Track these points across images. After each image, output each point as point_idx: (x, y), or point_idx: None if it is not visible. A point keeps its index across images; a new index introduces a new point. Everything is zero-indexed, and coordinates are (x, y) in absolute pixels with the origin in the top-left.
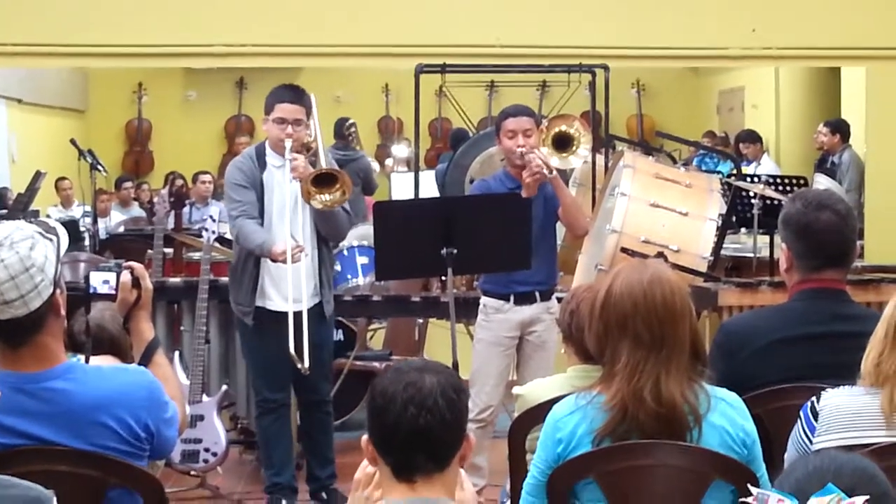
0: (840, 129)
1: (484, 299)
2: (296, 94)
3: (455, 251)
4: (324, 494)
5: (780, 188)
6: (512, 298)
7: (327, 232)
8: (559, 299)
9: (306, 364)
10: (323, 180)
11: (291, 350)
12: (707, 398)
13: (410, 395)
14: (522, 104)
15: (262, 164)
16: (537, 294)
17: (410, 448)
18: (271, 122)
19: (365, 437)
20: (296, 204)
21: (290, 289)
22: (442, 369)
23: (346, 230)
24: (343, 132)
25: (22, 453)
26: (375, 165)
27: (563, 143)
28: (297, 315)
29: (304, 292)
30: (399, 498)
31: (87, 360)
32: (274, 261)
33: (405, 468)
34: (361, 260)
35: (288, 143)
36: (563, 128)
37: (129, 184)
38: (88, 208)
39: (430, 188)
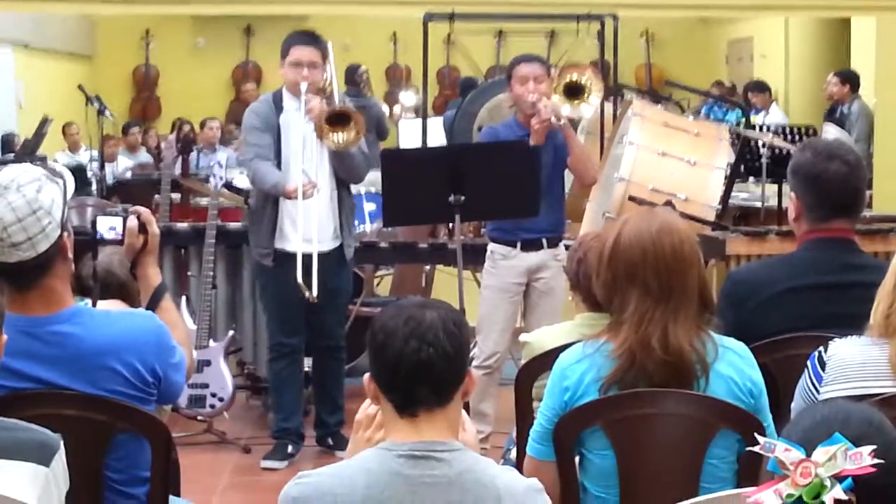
0: (850, 79)
1: (491, 246)
2: (311, 38)
3: (462, 198)
4: (330, 440)
5: (789, 138)
6: (519, 245)
7: (344, 174)
8: (567, 247)
9: (314, 293)
10: (337, 120)
11: (299, 278)
12: (714, 347)
13: (411, 328)
14: (534, 53)
15: (278, 108)
16: (544, 241)
17: (413, 381)
18: (287, 65)
19: (367, 375)
20: (312, 145)
21: (300, 225)
22: (442, 305)
23: (363, 172)
24: (355, 79)
25: (30, 397)
26: (385, 109)
27: (574, 91)
28: (309, 253)
29: (316, 231)
30: (402, 440)
31: (94, 305)
32: (288, 198)
33: (408, 403)
34: (369, 206)
35: (303, 86)
36: (575, 76)
37: (136, 129)
38: (96, 154)
39: (437, 135)
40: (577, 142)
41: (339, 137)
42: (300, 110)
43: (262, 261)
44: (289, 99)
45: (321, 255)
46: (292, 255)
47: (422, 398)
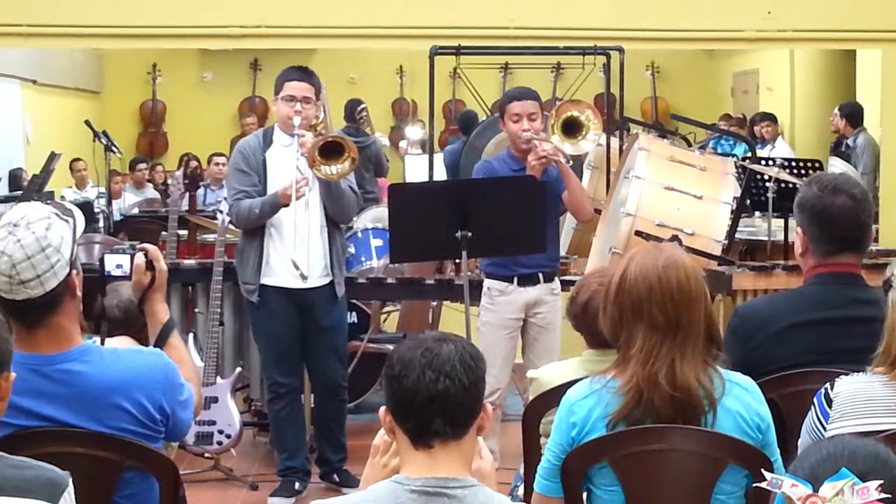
0: (848, 114)
1: (488, 282)
2: (304, 73)
3: (470, 234)
4: (335, 476)
5: (795, 172)
6: (515, 280)
7: (334, 211)
8: (564, 282)
9: (306, 272)
10: (329, 152)
11: (293, 257)
12: (722, 382)
13: (428, 360)
14: (527, 87)
15: (267, 143)
16: (541, 275)
17: (428, 412)
18: (280, 100)
19: (383, 408)
20: (305, 170)
21: (290, 258)
22: (459, 339)
23: (352, 211)
24: (355, 115)
25: (38, 435)
26: (385, 141)
27: (572, 128)
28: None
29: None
30: (416, 474)
31: (102, 342)
32: (285, 204)
33: (423, 433)
34: (376, 242)
35: (296, 120)
36: (574, 113)
37: (143, 165)
38: (103, 189)
39: (443, 170)
40: (574, 177)
41: (332, 169)
42: (291, 146)
43: (249, 297)
44: (280, 134)
45: (312, 291)
46: (279, 290)
47: (437, 429)
